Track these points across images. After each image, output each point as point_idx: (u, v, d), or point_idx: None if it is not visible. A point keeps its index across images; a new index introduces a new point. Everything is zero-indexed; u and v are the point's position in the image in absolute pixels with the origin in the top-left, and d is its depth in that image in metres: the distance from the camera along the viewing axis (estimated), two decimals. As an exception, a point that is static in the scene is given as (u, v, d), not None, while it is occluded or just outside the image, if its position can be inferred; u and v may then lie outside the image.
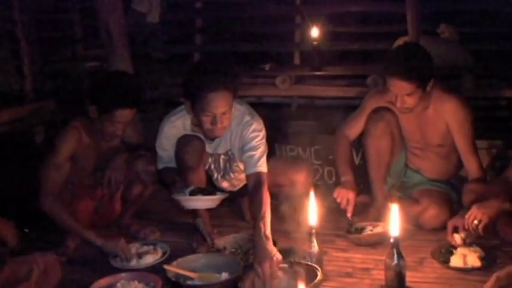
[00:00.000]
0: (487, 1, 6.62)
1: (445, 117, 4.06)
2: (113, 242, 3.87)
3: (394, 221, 3.27)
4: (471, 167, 4.09)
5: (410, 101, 3.93)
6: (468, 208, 3.71)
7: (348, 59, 6.92)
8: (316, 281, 3.25)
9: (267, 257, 3.30)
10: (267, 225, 3.50)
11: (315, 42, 6.34)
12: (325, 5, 7.05)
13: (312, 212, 3.57)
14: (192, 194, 3.74)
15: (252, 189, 3.82)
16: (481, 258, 3.57)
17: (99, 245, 3.89)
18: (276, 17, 7.52)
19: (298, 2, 7.24)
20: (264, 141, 3.98)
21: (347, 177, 4.23)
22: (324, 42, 6.51)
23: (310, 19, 6.72)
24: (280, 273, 3.32)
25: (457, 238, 3.69)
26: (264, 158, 3.93)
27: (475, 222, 3.59)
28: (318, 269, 3.34)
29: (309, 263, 3.45)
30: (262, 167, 3.89)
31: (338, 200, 4.14)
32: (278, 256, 3.34)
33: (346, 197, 4.12)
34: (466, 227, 3.63)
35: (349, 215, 4.10)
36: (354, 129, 4.35)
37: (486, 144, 4.94)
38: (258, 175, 3.85)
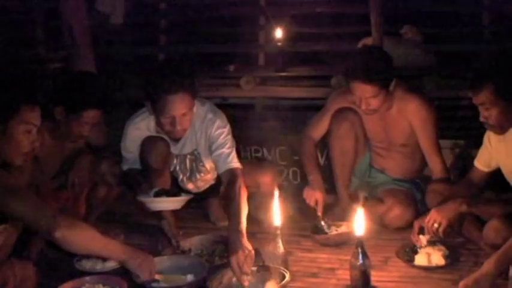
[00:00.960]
0: (450, 2, 6.68)
1: (408, 117, 4.10)
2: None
3: (358, 221, 3.28)
4: (435, 167, 4.14)
5: (374, 103, 3.96)
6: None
7: (312, 60, 6.94)
8: (284, 282, 3.25)
9: (241, 251, 3.28)
10: (241, 220, 3.48)
11: (279, 43, 6.36)
12: (289, 6, 7.06)
13: (277, 212, 3.56)
14: (156, 195, 3.72)
15: (226, 185, 3.82)
16: (445, 257, 3.60)
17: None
18: (241, 18, 7.52)
19: (263, 3, 7.24)
20: (230, 136, 3.99)
21: (314, 176, 4.24)
22: (288, 43, 6.52)
23: (274, 20, 6.73)
24: (248, 277, 3.30)
25: (422, 239, 3.71)
26: (234, 153, 3.95)
27: (435, 225, 3.63)
28: (286, 271, 3.34)
29: (277, 265, 3.45)
30: (234, 162, 3.91)
31: (307, 201, 4.15)
32: (252, 251, 3.33)
33: (314, 197, 4.14)
34: (427, 231, 3.68)
35: (319, 214, 4.11)
36: (318, 130, 4.36)
37: (449, 143, 4.98)
38: (231, 171, 3.86)
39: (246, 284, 3.25)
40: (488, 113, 3.50)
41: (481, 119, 3.56)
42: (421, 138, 4.12)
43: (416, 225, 3.77)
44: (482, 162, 3.92)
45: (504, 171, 3.82)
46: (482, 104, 3.50)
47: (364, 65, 3.89)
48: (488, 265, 3.10)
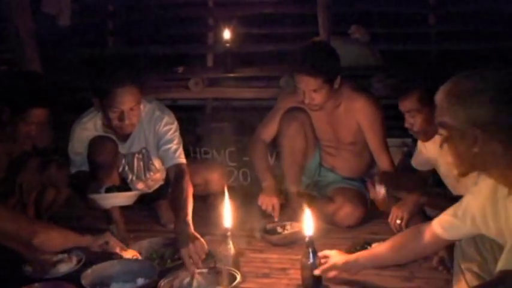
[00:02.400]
0: (397, 3, 6.75)
1: (356, 115, 4.13)
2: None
3: (308, 221, 3.30)
4: (383, 164, 4.19)
5: (318, 98, 3.98)
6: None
7: (261, 61, 6.95)
8: (235, 283, 3.24)
9: (190, 241, 3.30)
10: (188, 213, 3.51)
11: (227, 44, 6.34)
12: (238, 7, 7.06)
13: (227, 213, 3.55)
14: (108, 191, 3.72)
15: (173, 180, 3.84)
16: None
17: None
18: (189, 19, 7.49)
19: (211, 4, 7.23)
20: (177, 133, 4.01)
21: (268, 182, 4.24)
22: (236, 44, 6.51)
23: (222, 21, 6.72)
24: (199, 278, 3.30)
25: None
26: (181, 149, 3.97)
27: (398, 221, 3.68)
28: (237, 273, 3.33)
29: (228, 267, 3.43)
30: (181, 158, 3.94)
31: (263, 208, 4.15)
32: (201, 240, 3.35)
33: (270, 203, 4.13)
34: (392, 228, 3.73)
35: (276, 219, 4.12)
36: (268, 131, 4.37)
37: (397, 142, 5.02)
38: (178, 166, 3.89)
39: (195, 274, 3.29)
40: (414, 120, 3.59)
41: (406, 125, 3.64)
42: (369, 136, 4.16)
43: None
44: (418, 163, 4.00)
45: (439, 171, 3.89)
46: (408, 111, 3.57)
47: (307, 58, 3.91)
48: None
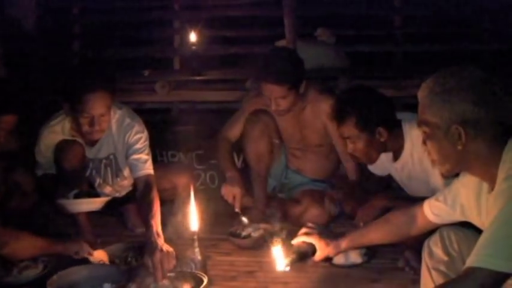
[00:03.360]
0: (364, 5, 6.77)
1: (322, 117, 4.14)
2: None
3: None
4: (349, 166, 4.21)
5: (284, 104, 3.98)
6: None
7: (227, 63, 6.93)
8: (202, 287, 3.22)
9: (158, 251, 3.29)
10: (158, 224, 3.52)
11: (193, 47, 6.32)
12: (204, 10, 7.03)
13: (193, 217, 3.53)
14: (76, 197, 3.69)
15: (142, 191, 3.82)
16: (362, 255, 3.65)
17: None
18: (155, 22, 7.44)
19: (177, 7, 7.19)
20: (147, 142, 4.01)
21: (231, 173, 4.20)
22: (202, 47, 6.49)
23: (188, 24, 6.69)
24: (166, 283, 3.27)
25: None
26: (150, 160, 3.96)
27: (361, 224, 3.69)
28: (204, 276, 3.32)
29: (194, 270, 3.42)
30: (150, 169, 3.92)
31: (225, 197, 4.12)
32: (171, 251, 3.35)
33: (232, 192, 4.09)
34: None
35: (236, 210, 4.08)
36: (233, 131, 4.35)
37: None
38: (147, 177, 3.87)
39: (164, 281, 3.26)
40: (354, 146, 3.58)
41: (348, 151, 3.65)
42: (335, 138, 4.17)
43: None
44: (375, 169, 3.99)
45: (397, 181, 3.90)
46: (347, 138, 3.57)
47: (271, 66, 3.92)
48: None
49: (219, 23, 7.02)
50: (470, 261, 2.08)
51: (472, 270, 2.06)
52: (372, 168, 4.00)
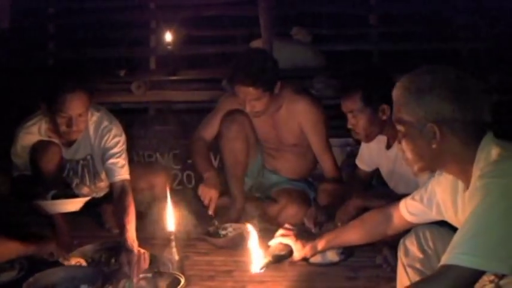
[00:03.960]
0: (340, 4, 6.80)
1: (298, 117, 4.14)
2: None
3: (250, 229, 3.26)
4: (326, 165, 4.22)
5: (259, 105, 3.99)
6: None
7: (204, 63, 6.94)
8: (179, 287, 3.22)
9: (133, 254, 3.36)
10: (133, 229, 3.56)
11: (169, 47, 6.31)
12: (180, 10, 7.02)
13: (170, 217, 3.53)
14: (54, 198, 3.68)
15: (118, 196, 3.83)
16: (339, 253, 3.66)
17: None
18: (131, 22, 7.42)
19: (153, 6, 7.18)
20: (125, 146, 4.00)
21: (208, 173, 4.16)
22: (178, 47, 6.48)
23: (164, 24, 6.68)
24: (143, 283, 3.28)
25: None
26: (127, 165, 3.96)
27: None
28: (181, 276, 3.31)
29: (171, 270, 3.42)
30: (126, 174, 3.92)
31: (202, 198, 4.09)
32: (146, 252, 3.39)
33: (209, 194, 4.06)
34: None
35: (210, 212, 4.06)
36: (208, 131, 4.34)
37: (340, 142, 5.07)
38: (123, 182, 3.88)
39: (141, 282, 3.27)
40: (356, 121, 3.60)
41: (348, 126, 3.66)
42: (311, 138, 4.18)
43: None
44: (362, 162, 4.04)
45: (382, 171, 3.93)
46: (350, 112, 3.59)
47: (246, 69, 3.90)
48: None
49: (195, 22, 7.02)
50: (445, 259, 2.09)
51: (447, 268, 2.07)
52: (360, 162, 4.04)
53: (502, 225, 2.04)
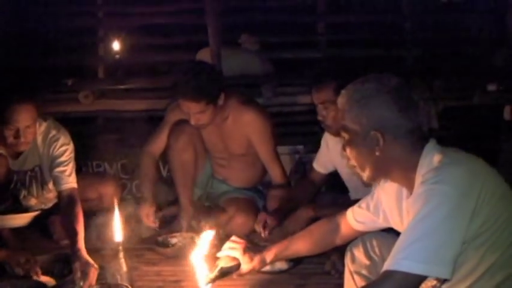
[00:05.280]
0: (288, 12, 6.84)
1: (245, 128, 4.15)
2: None
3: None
4: (274, 174, 4.24)
5: (203, 118, 3.99)
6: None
7: (152, 72, 6.90)
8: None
9: (82, 265, 3.32)
10: (82, 239, 3.53)
11: (117, 55, 6.27)
12: (128, 18, 6.99)
13: (117, 228, 3.50)
14: (2, 212, 3.64)
15: (65, 205, 3.81)
16: (288, 261, 3.65)
17: None
18: (79, 30, 7.34)
19: (101, 14, 7.12)
20: (73, 155, 3.99)
21: (146, 194, 4.25)
22: (126, 55, 6.44)
23: (112, 32, 6.63)
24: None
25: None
26: (74, 173, 3.94)
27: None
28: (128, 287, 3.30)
29: (120, 282, 3.39)
30: (74, 182, 3.90)
31: (144, 220, 4.13)
32: (94, 264, 3.36)
33: (144, 213, 4.12)
34: None
35: (154, 226, 4.12)
36: (157, 145, 4.34)
37: (289, 149, 5.09)
38: (71, 190, 3.86)
39: None
40: (327, 112, 3.60)
41: (319, 118, 3.67)
42: (259, 147, 4.20)
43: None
44: (320, 164, 4.07)
45: (341, 173, 3.96)
46: (322, 103, 3.60)
47: (188, 83, 3.89)
48: None
49: (143, 30, 6.99)
50: (387, 265, 2.12)
51: (389, 273, 2.10)
52: (317, 165, 4.06)
53: (442, 231, 2.07)
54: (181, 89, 3.92)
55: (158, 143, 4.34)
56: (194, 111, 3.94)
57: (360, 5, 6.78)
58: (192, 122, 3.99)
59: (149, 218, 4.11)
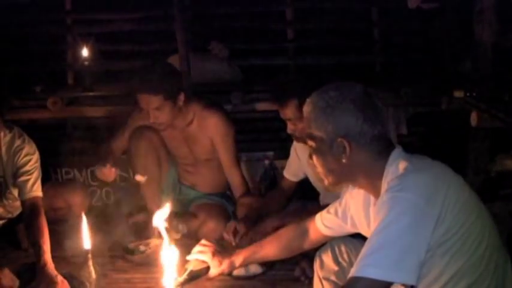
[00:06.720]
0: (257, 19, 6.85)
1: (209, 132, 4.18)
2: None
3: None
4: (234, 180, 4.29)
5: (161, 116, 3.99)
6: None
7: (122, 78, 6.87)
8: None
9: (46, 279, 3.32)
10: (47, 250, 3.51)
11: (85, 62, 6.23)
12: (96, 24, 6.96)
13: (86, 236, 3.49)
14: None
15: (29, 214, 3.79)
16: (262, 265, 3.67)
17: None
18: (47, 36, 7.29)
19: (69, 21, 7.08)
20: (37, 164, 3.96)
21: (103, 155, 4.20)
22: (95, 62, 6.41)
23: (81, 38, 6.60)
24: None
25: None
26: (39, 182, 3.92)
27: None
28: None
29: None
30: (38, 191, 3.88)
31: (101, 176, 4.10)
32: (59, 277, 3.36)
33: (104, 171, 4.05)
34: None
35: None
36: (116, 143, 4.38)
37: (259, 155, 5.11)
38: (34, 200, 3.85)
39: None
40: (295, 127, 3.64)
41: (288, 131, 3.70)
42: (221, 152, 4.24)
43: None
44: (291, 172, 4.10)
45: (311, 179, 3.99)
46: (289, 119, 3.63)
47: (144, 76, 3.92)
48: None
49: (112, 37, 6.96)
50: (353, 271, 2.15)
51: (355, 280, 2.12)
52: (288, 173, 4.10)
53: (406, 238, 2.10)
54: (138, 83, 3.94)
55: (117, 142, 4.36)
56: (152, 107, 3.94)
57: (329, 12, 6.80)
58: (151, 120, 3.99)
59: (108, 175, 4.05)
